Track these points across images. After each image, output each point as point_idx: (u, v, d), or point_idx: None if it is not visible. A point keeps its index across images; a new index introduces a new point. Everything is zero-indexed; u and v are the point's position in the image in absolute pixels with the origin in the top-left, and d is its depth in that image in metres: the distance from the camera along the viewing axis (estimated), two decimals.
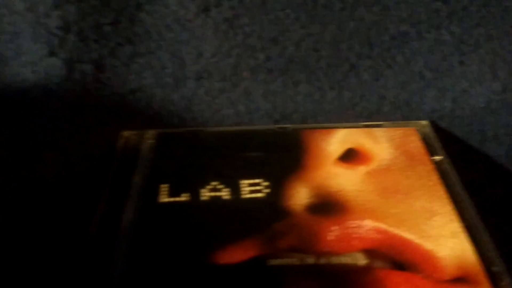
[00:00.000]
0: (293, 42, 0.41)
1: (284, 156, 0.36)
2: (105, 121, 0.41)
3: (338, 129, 0.38)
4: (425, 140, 0.39)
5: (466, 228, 0.30)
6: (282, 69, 0.42)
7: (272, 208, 0.31)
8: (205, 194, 0.33)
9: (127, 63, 0.40)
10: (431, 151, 0.38)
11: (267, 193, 0.32)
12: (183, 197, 0.32)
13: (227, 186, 0.33)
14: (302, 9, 0.41)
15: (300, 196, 0.32)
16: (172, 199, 0.32)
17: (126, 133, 0.39)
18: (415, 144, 0.38)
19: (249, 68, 0.41)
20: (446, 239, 0.29)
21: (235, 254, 0.28)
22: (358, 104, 0.43)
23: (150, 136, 0.39)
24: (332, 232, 0.29)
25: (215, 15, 0.40)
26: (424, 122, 0.41)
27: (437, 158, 0.37)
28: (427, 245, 0.29)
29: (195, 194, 0.32)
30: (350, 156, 0.36)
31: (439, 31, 0.42)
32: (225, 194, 0.33)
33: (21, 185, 0.37)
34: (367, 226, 0.29)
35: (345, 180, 0.33)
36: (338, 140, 0.37)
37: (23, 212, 0.35)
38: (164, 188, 0.33)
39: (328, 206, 0.31)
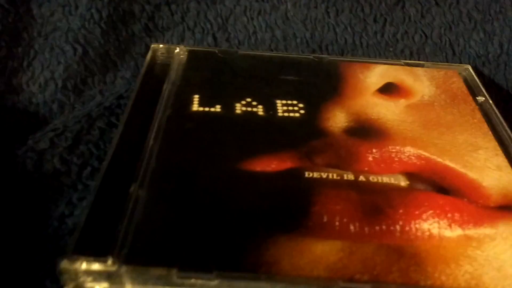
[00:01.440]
0: None
1: (321, 83, 0.35)
2: (136, 33, 0.39)
3: (377, 64, 0.37)
4: (467, 82, 0.37)
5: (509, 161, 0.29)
6: None
7: (309, 127, 0.30)
8: (239, 108, 0.31)
9: None
10: (474, 93, 0.36)
11: (303, 114, 0.31)
12: (217, 108, 0.31)
13: (261, 103, 0.32)
14: None
15: (337, 119, 0.30)
16: (205, 109, 0.31)
17: (156, 46, 0.37)
18: (458, 85, 0.36)
19: None
20: (491, 170, 0.28)
21: (271, 164, 0.26)
22: (400, 41, 0.41)
23: (181, 51, 0.37)
24: (372, 154, 0.28)
25: None
26: (466, 66, 0.39)
27: (480, 99, 0.35)
28: (472, 174, 0.27)
29: (229, 107, 0.31)
30: (390, 90, 0.34)
31: None
32: (259, 110, 0.31)
33: None
34: (409, 152, 0.28)
35: (385, 110, 0.32)
36: (377, 73, 0.35)
37: None
38: (196, 98, 0.32)
39: (367, 131, 0.30)
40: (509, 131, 0.32)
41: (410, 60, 0.40)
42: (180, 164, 0.27)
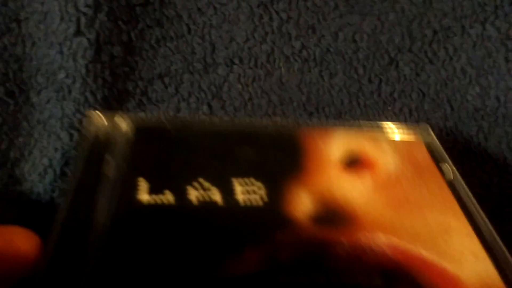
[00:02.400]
0: (331, 31, 0.39)
1: (281, 154, 0.31)
2: (131, 109, 0.38)
3: (336, 129, 0.35)
4: (429, 146, 0.35)
5: (483, 244, 0.27)
6: (318, 59, 0.39)
7: (272, 216, 0.27)
8: (193, 194, 0.28)
9: (156, 46, 0.38)
10: (437, 159, 0.34)
11: (264, 198, 0.28)
12: (167, 196, 0.28)
13: (216, 185, 0.28)
14: None
15: (302, 203, 0.28)
16: (153, 198, 0.27)
17: (92, 113, 0.34)
18: (421, 152, 0.34)
19: (284, 56, 0.39)
20: (468, 259, 0.26)
21: (235, 268, 0.23)
22: (397, 100, 0.40)
23: (123, 120, 0.34)
24: (343, 247, 0.25)
25: None
26: (425, 126, 0.37)
27: (444, 166, 0.34)
28: (451, 267, 0.25)
29: (181, 193, 0.28)
30: (353, 162, 0.32)
31: (483, 26, 0.40)
32: (215, 195, 0.28)
33: None
34: (381, 241, 0.26)
35: (350, 187, 0.29)
36: (338, 142, 0.33)
37: None
38: (143, 183, 0.28)
39: (334, 216, 0.27)
40: (476, 206, 0.30)
41: (410, 118, 0.40)
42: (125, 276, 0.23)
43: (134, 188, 0.28)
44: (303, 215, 0.27)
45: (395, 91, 0.40)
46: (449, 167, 0.33)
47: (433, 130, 0.38)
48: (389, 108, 0.40)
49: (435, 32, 0.40)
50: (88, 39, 0.37)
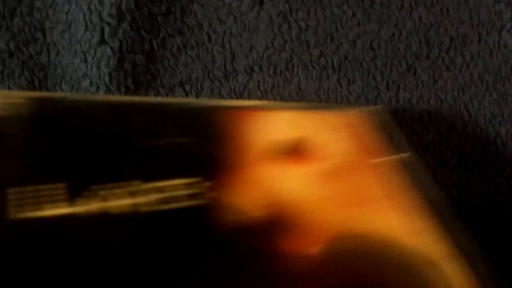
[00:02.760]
0: (349, 39, 0.40)
1: (202, 144, 0.25)
2: None
3: (277, 111, 0.28)
4: (385, 131, 0.32)
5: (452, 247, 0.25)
6: (336, 67, 0.40)
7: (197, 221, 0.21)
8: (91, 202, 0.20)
9: (177, 54, 0.39)
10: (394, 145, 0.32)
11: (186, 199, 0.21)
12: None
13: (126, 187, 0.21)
14: (358, 6, 0.40)
15: (233, 206, 0.22)
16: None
17: None
18: (373, 136, 0.29)
19: (303, 64, 0.40)
20: (435, 264, 0.23)
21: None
22: (415, 106, 0.41)
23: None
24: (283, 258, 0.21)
25: (269, 8, 0.39)
26: (378, 107, 0.35)
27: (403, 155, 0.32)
28: (417, 276, 0.22)
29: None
30: (295, 151, 0.27)
31: (500, 34, 0.41)
32: (125, 204, 0.20)
33: None
34: (334, 254, 0.22)
35: (293, 183, 0.24)
36: (277, 126, 0.27)
37: None
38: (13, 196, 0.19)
39: (273, 221, 0.22)
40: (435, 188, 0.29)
41: (427, 123, 0.40)
42: None
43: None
44: (234, 222, 0.22)
45: (413, 97, 0.41)
46: (407, 155, 0.31)
47: (451, 136, 0.39)
48: (408, 114, 0.40)
49: (452, 40, 0.41)
50: (111, 48, 0.38)
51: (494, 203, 0.38)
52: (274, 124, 0.27)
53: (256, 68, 0.40)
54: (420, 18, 0.40)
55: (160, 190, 0.21)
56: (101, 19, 0.38)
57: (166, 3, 0.39)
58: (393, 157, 0.30)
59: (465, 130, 0.41)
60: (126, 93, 0.38)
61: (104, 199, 0.20)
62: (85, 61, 0.38)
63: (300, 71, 0.40)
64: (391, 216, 0.25)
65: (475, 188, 0.40)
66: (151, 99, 0.36)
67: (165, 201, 0.21)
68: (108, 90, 0.38)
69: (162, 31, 0.39)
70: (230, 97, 0.40)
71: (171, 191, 0.21)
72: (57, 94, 0.36)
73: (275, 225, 0.22)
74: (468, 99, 0.41)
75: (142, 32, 0.39)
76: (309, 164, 0.26)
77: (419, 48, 0.40)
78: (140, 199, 0.21)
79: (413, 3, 0.40)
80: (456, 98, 0.41)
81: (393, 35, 0.40)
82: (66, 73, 0.39)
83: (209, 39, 0.39)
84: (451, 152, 0.40)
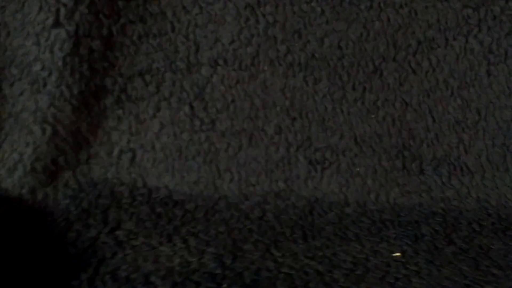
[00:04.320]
0: (317, 37, 0.39)
1: None
2: (108, 106, 0.37)
3: None
4: None
5: None
6: (303, 64, 0.39)
7: None
8: None
9: (137, 42, 0.37)
10: None
11: None
12: None
13: None
14: (328, 4, 0.39)
15: None
16: None
17: None
18: None
19: (269, 59, 0.38)
20: None
21: None
22: (381, 108, 0.40)
23: None
24: None
25: (237, 0, 0.38)
26: None
27: None
28: None
29: None
30: None
31: (467, 39, 0.41)
32: None
33: None
34: None
35: None
36: None
37: None
38: None
39: None
40: None
41: (392, 127, 0.40)
42: None
43: None
44: None
45: (379, 99, 0.40)
46: None
47: (414, 140, 0.38)
48: (373, 116, 0.39)
49: (419, 43, 0.40)
50: (67, 30, 0.35)
51: (454, 210, 0.38)
52: None
53: (220, 62, 0.38)
54: (389, 19, 0.40)
55: None
56: (57, 0, 0.35)
57: None
58: None
59: (428, 135, 0.40)
60: (80, 80, 0.36)
61: None
62: (38, 43, 0.35)
63: (266, 67, 0.38)
64: None
65: (435, 194, 0.40)
66: None
67: None
68: (61, 76, 0.35)
69: (123, 16, 0.37)
70: (192, 91, 0.38)
71: None
72: None
73: None
74: (433, 104, 0.40)
75: (101, 16, 0.36)
76: None
77: (386, 49, 0.40)
78: None
79: (382, 4, 0.40)
80: (421, 102, 0.40)
81: (361, 35, 0.39)
82: (16, 56, 0.36)
83: (173, 28, 0.38)
84: (412, 158, 0.40)
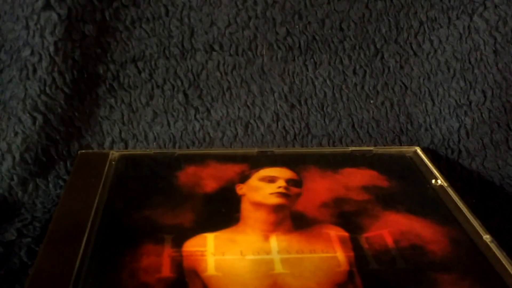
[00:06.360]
0: (317, 18, 0.38)
1: None
2: (101, 95, 0.36)
3: None
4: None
5: None
6: (304, 48, 0.38)
7: None
8: None
9: (130, 27, 0.36)
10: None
11: None
12: None
13: None
14: None
15: None
16: None
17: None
18: None
19: (267, 43, 0.37)
20: None
21: None
22: (380, 93, 0.39)
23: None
24: None
25: None
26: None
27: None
28: None
29: None
30: None
31: (471, 18, 0.39)
32: None
33: None
34: None
35: None
36: None
37: None
38: None
39: None
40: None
41: (392, 112, 0.39)
42: None
43: None
44: None
45: (379, 83, 0.39)
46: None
47: (412, 125, 0.38)
48: (371, 101, 0.39)
49: (421, 23, 0.39)
50: (58, 14, 0.34)
51: (457, 192, 0.37)
52: None
53: (216, 46, 0.37)
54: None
55: None
56: None
57: None
58: None
59: (427, 119, 0.40)
60: (73, 67, 0.35)
61: None
62: (27, 27, 0.34)
63: (264, 51, 0.37)
64: None
65: None
66: None
67: None
68: (53, 62, 0.34)
69: (116, 0, 0.35)
70: (187, 78, 0.37)
71: None
72: None
73: None
74: (433, 87, 0.40)
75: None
76: None
77: (388, 31, 0.38)
78: None
79: None
80: (421, 85, 0.39)
81: (363, 15, 0.38)
82: (5, 41, 0.35)
83: (166, 12, 0.36)
84: (409, 143, 0.39)
